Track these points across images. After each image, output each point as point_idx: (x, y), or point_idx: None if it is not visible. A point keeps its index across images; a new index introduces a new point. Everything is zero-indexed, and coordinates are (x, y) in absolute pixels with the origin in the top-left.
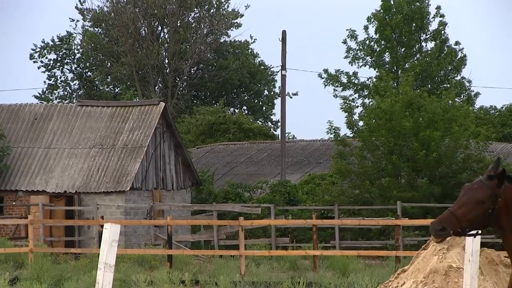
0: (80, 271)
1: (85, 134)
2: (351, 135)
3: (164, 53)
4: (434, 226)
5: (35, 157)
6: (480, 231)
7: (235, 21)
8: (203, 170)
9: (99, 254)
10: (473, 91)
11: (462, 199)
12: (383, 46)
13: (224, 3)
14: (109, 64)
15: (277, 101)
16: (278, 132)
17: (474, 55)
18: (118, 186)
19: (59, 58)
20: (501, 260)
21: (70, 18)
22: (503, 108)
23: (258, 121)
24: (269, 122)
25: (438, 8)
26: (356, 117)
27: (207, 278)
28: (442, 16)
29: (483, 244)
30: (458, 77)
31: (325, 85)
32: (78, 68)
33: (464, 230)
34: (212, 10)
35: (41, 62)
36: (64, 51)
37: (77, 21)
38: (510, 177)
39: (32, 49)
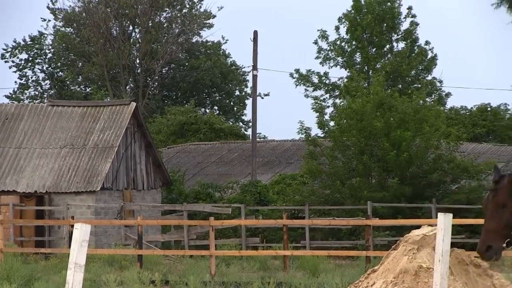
0: (50, 271)
1: (56, 134)
2: (322, 135)
3: (135, 53)
4: (479, 250)
5: (6, 157)
6: None
7: (207, 21)
8: (173, 170)
9: (69, 254)
10: (444, 92)
11: (488, 213)
12: (354, 47)
13: (197, 3)
14: (80, 64)
15: (249, 101)
16: (249, 132)
17: (445, 55)
18: (88, 186)
19: (30, 58)
20: (471, 260)
21: (41, 18)
22: (474, 109)
23: (229, 121)
24: (240, 122)
25: (410, 8)
26: (327, 117)
27: (177, 278)
28: (414, 16)
29: (453, 244)
30: (429, 77)
31: (296, 85)
32: (49, 68)
33: (510, 236)
34: (184, 11)
35: (13, 62)
36: (35, 51)
37: (49, 21)
38: None
39: (4, 49)
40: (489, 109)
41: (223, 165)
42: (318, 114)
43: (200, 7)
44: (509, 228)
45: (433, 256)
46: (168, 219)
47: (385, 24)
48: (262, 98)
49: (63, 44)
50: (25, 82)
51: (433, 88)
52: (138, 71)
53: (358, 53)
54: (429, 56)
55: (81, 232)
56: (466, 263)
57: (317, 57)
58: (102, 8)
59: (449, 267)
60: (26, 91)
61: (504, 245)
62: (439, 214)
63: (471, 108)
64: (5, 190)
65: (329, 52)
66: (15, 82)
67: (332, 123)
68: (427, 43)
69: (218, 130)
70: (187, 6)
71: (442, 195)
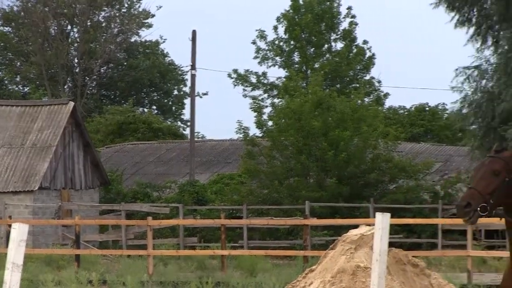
0: None
1: None
2: (261, 135)
3: (73, 53)
4: (458, 204)
5: None
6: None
7: (146, 21)
8: (112, 170)
9: (6, 254)
10: (383, 92)
11: (478, 174)
12: (292, 46)
13: (136, 3)
14: (18, 63)
15: (187, 101)
16: (188, 131)
17: (384, 55)
18: (26, 185)
19: None
20: (409, 260)
21: None
22: (412, 108)
23: (167, 121)
24: (179, 122)
25: (349, 8)
26: (265, 117)
27: (114, 278)
28: (354, 16)
29: (391, 244)
30: (367, 77)
31: (235, 85)
32: None
33: (489, 204)
34: (123, 10)
35: None
36: None
37: None
38: None
39: None
40: (427, 109)
41: (161, 164)
42: (256, 113)
43: (139, 6)
44: (493, 195)
45: (370, 255)
46: (106, 219)
47: (324, 24)
48: (201, 97)
49: (1, 43)
50: None
51: (372, 88)
52: (77, 70)
53: (296, 53)
54: (367, 56)
55: (19, 232)
56: (404, 263)
57: (255, 57)
58: (40, 7)
59: (387, 266)
60: None
61: (481, 209)
62: (377, 213)
63: (410, 108)
64: None
65: (268, 52)
66: None
67: (270, 123)
68: (365, 42)
69: (157, 130)
70: (126, 5)
71: (380, 194)
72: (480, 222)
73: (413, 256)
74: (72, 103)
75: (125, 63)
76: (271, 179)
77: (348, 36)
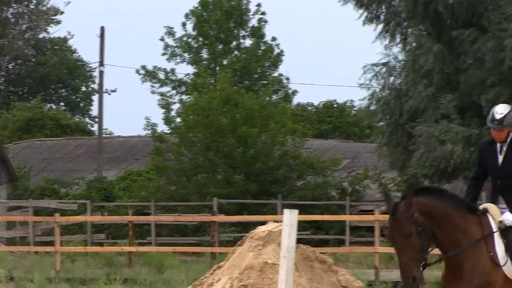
0: None
1: None
2: (169, 131)
3: None
4: (407, 282)
5: None
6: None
7: (54, 17)
8: (19, 166)
9: None
10: (291, 89)
11: (397, 245)
12: (201, 43)
13: None
14: None
15: (95, 97)
16: (96, 128)
17: (292, 52)
18: None
19: None
20: (316, 256)
21: None
22: (320, 105)
23: (75, 117)
24: (87, 118)
25: (259, 5)
26: (173, 113)
27: (22, 274)
28: (263, 13)
29: (299, 241)
30: (276, 74)
31: (143, 82)
32: None
33: (426, 258)
34: (31, 6)
35: None
36: None
37: None
38: (406, 195)
39: None
40: (335, 105)
41: (69, 161)
42: (164, 110)
43: (47, 3)
44: (423, 251)
45: (278, 252)
46: (13, 215)
47: (233, 21)
48: (109, 94)
49: None
50: None
51: (280, 85)
52: None
53: (205, 50)
54: (275, 53)
55: None
56: (311, 259)
57: (163, 54)
58: None
59: (295, 263)
60: None
61: (421, 268)
62: (284, 210)
63: (318, 104)
64: None
65: (176, 48)
66: None
67: (178, 120)
68: (274, 39)
69: (65, 126)
70: (34, 2)
71: (288, 191)
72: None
73: (320, 253)
74: None
75: (33, 60)
76: (179, 176)
77: (257, 33)
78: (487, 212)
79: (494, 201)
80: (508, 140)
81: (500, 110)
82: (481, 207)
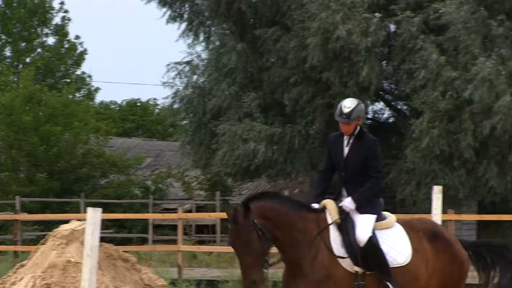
0: None
1: None
2: None
3: None
4: (247, 287)
5: None
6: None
7: None
8: None
9: None
10: (94, 86)
11: (240, 252)
12: (4, 41)
13: None
14: None
15: None
16: None
17: (96, 51)
18: None
19: None
20: (120, 254)
21: None
22: (124, 103)
23: None
24: None
25: (62, 3)
26: None
27: None
28: (66, 11)
29: (102, 239)
30: (79, 72)
31: None
32: None
33: (265, 262)
34: None
35: None
36: None
37: None
38: (249, 201)
39: None
40: (138, 104)
41: None
42: None
43: None
44: (262, 255)
45: (81, 250)
46: None
47: (36, 18)
48: None
49: None
50: None
51: (83, 83)
52: None
53: (8, 47)
54: (79, 51)
55: None
56: (115, 258)
57: None
58: None
59: (98, 262)
60: None
61: (264, 269)
62: (88, 208)
63: (121, 103)
64: None
65: None
66: None
67: None
68: (77, 37)
69: None
70: None
71: (91, 189)
72: (192, 217)
73: (124, 251)
74: None
75: None
76: None
77: (61, 31)
78: (325, 209)
79: (338, 193)
80: (355, 133)
81: (348, 104)
82: (321, 204)
